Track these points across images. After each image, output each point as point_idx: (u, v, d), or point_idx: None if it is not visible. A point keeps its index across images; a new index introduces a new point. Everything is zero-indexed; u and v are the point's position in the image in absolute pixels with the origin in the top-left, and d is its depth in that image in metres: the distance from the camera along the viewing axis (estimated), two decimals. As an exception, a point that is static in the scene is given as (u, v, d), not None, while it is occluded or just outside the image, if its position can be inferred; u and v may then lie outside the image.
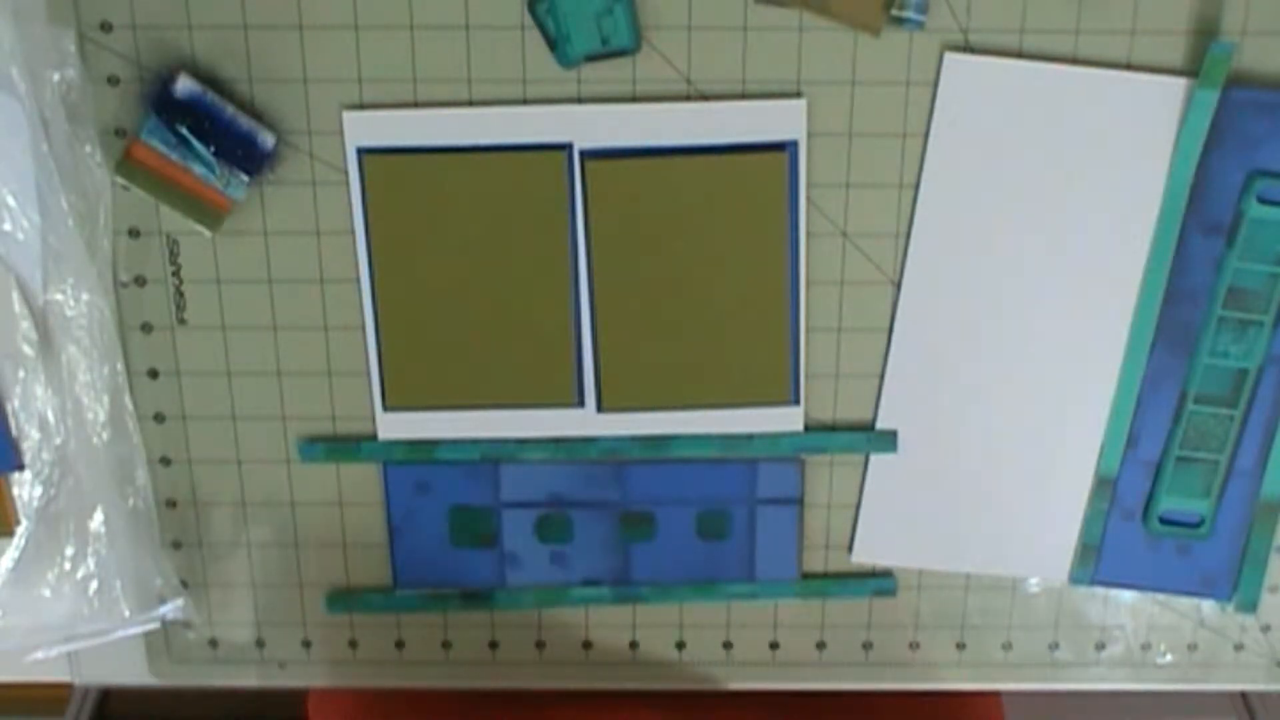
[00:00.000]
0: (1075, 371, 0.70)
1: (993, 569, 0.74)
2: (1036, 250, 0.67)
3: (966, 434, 0.71)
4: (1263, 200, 0.65)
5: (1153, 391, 0.69)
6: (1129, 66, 0.65)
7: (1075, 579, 0.73)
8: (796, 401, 0.71)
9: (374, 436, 0.71)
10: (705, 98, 0.65)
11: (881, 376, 0.70)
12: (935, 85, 0.65)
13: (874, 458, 0.72)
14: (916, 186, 0.67)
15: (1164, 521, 0.72)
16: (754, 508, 0.72)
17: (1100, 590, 0.74)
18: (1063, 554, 0.73)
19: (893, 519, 0.73)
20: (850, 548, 0.74)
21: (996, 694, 0.90)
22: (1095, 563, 0.73)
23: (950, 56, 0.64)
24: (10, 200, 0.66)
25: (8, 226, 0.66)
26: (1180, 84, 0.64)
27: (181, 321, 0.70)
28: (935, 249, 0.68)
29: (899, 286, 0.69)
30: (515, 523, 0.73)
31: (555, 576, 0.74)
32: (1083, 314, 0.69)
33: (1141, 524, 0.72)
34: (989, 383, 0.70)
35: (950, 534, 0.73)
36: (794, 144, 0.66)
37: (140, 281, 0.69)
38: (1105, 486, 0.71)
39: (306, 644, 0.76)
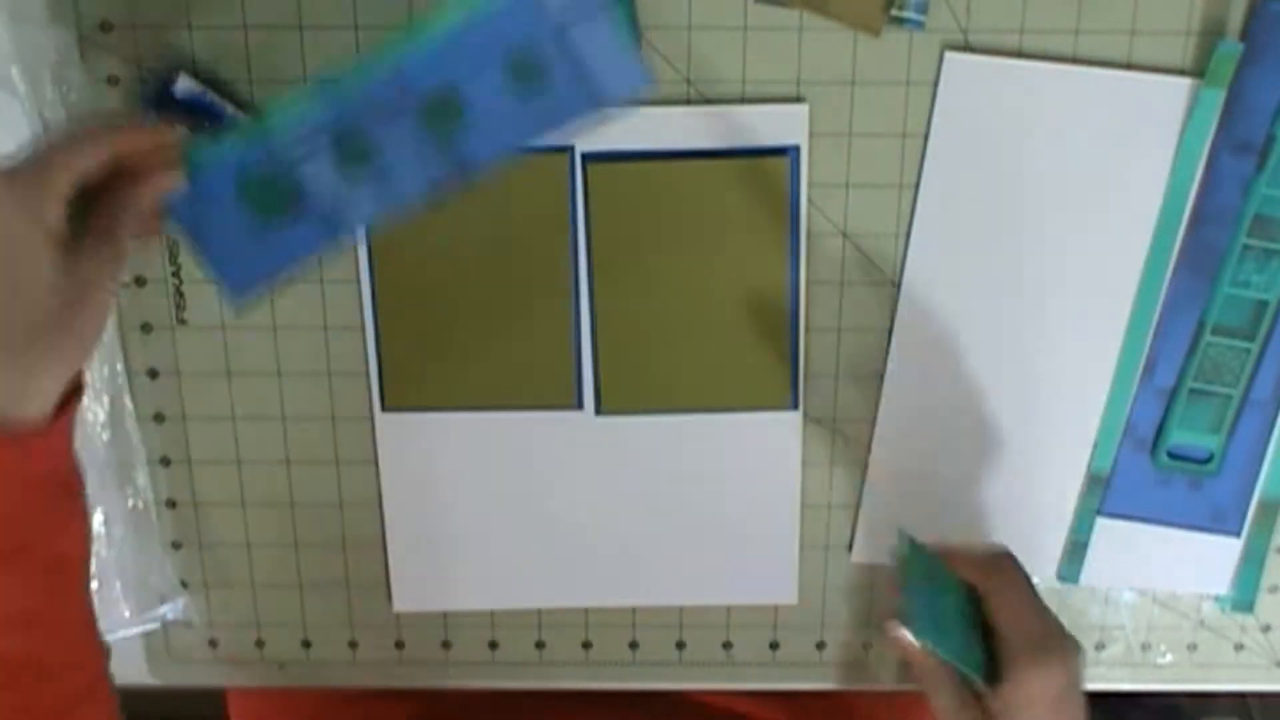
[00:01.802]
0: (1073, 373, 0.69)
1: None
2: (1036, 251, 0.67)
3: (966, 433, 0.71)
4: None
5: (1172, 317, 0.68)
6: (1129, 66, 0.65)
7: (1063, 576, 0.73)
8: (795, 406, 0.71)
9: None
10: (705, 98, 0.65)
11: (882, 376, 0.70)
12: (935, 85, 0.65)
13: (873, 458, 0.72)
14: (916, 186, 0.67)
15: (1173, 456, 0.71)
16: (562, 31, 0.55)
17: (1100, 590, 0.74)
18: (1060, 552, 0.73)
19: (893, 518, 0.72)
20: (850, 547, 0.74)
21: None
22: (1082, 560, 0.73)
23: (950, 56, 0.64)
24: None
25: (7, 226, 0.66)
26: (1183, 83, 0.64)
27: (181, 321, 0.70)
28: (935, 249, 0.68)
29: (899, 286, 0.69)
30: (312, 169, 0.57)
31: (385, 202, 0.58)
32: (1082, 315, 0.69)
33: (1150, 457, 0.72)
34: (988, 381, 0.70)
35: (950, 532, 0.73)
36: (795, 149, 0.66)
37: (140, 281, 0.69)
38: (1097, 484, 0.71)
39: (306, 644, 0.76)
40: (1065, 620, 0.75)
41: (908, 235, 0.68)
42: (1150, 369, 0.70)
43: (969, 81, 0.65)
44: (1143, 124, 0.65)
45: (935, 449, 0.71)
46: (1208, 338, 0.68)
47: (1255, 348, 0.68)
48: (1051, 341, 0.69)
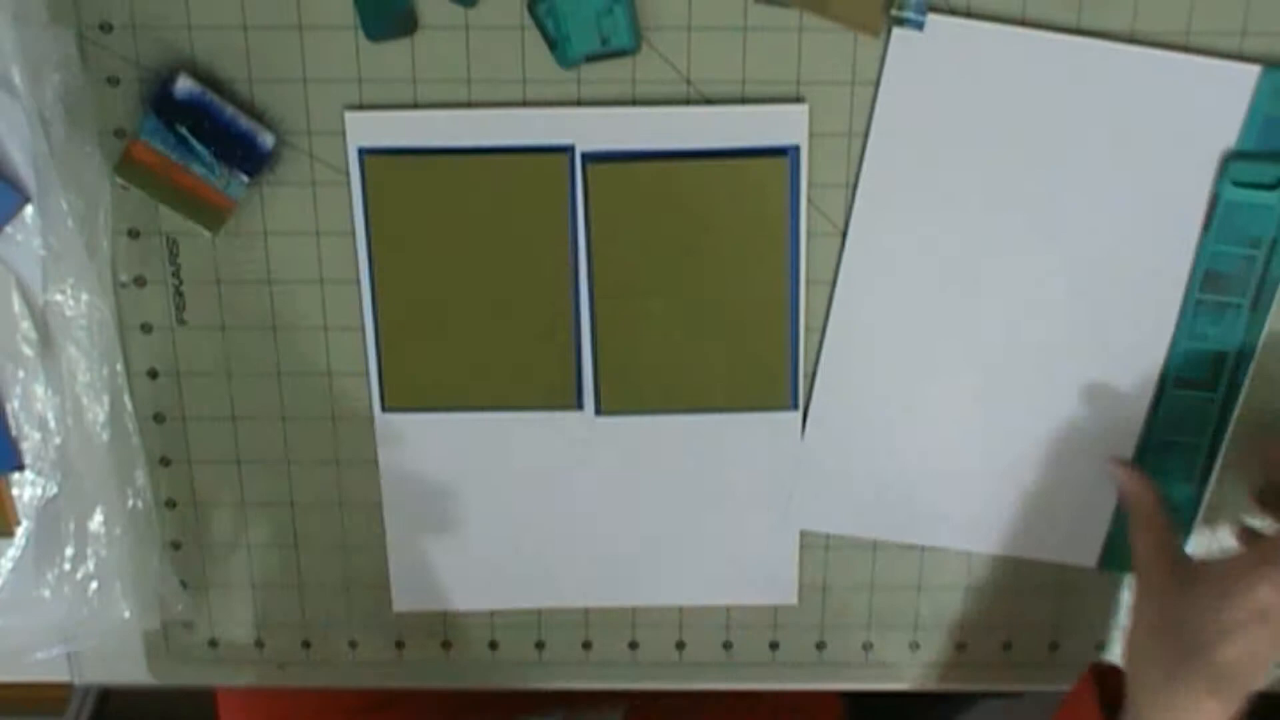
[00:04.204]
0: (1034, 359, 0.69)
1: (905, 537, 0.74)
2: (993, 232, 0.67)
3: (908, 418, 0.71)
4: (1237, 183, 0.65)
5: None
6: (1129, 67, 0.65)
7: None
8: (795, 406, 0.71)
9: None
10: (705, 98, 0.65)
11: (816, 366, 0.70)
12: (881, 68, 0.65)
13: (809, 432, 0.71)
14: (854, 185, 0.67)
15: None
16: None
17: (1100, 590, 0.74)
18: (981, 526, 0.73)
19: (826, 492, 0.73)
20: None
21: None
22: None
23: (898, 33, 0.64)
24: (8, 202, 0.66)
25: (8, 227, 0.66)
26: (1155, 55, 0.64)
27: (181, 321, 0.70)
28: (883, 208, 0.68)
29: (836, 282, 0.69)
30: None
31: None
32: (1066, 301, 0.68)
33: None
34: (925, 366, 0.70)
35: (879, 507, 0.73)
36: (795, 149, 0.66)
37: (140, 281, 0.69)
38: None
39: (306, 644, 0.76)
40: (1065, 620, 0.75)
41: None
42: None
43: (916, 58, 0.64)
44: (1143, 105, 0.65)
45: (874, 433, 0.71)
46: (1171, 390, 0.69)
47: (1218, 397, 0.69)
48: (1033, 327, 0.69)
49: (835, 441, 0.71)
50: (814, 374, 0.70)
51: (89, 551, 0.71)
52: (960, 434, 0.71)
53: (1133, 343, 0.69)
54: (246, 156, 0.65)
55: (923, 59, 0.64)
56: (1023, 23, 0.64)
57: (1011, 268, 0.68)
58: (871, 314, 0.69)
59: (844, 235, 0.68)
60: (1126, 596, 0.75)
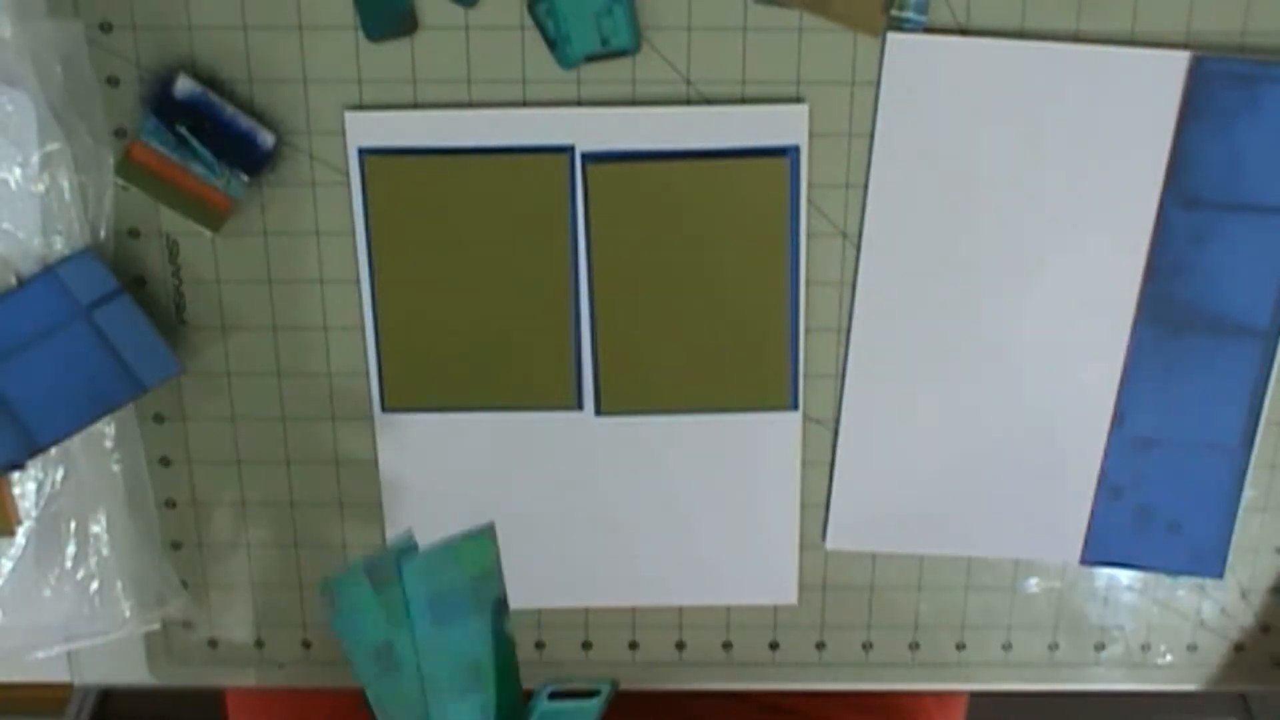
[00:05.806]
0: (1054, 358, 0.69)
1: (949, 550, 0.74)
2: (1005, 237, 0.67)
3: (940, 423, 0.71)
4: None
5: (1136, 368, 0.69)
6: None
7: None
8: (795, 406, 0.71)
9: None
10: (705, 98, 0.66)
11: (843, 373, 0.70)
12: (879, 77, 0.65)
13: (841, 453, 0.71)
14: (865, 186, 0.67)
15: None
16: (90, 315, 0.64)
17: (1100, 590, 0.75)
18: (1022, 534, 0.73)
19: (863, 507, 0.73)
20: (824, 534, 0.74)
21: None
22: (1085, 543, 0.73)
23: (894, 37, 0.64)
24: (11, 199, 0.66)
25: (8, 225, 0.66)
26: (1147, 54, 0.64)
27: (181, 321, 0.70)
28: (889, 249, 0.68)
29: (855, 285, 0.68)
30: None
31: None
32: (1066, 299, 0.68)
33: (1129, 501, 0.72)
34: (952, 371, 0.70)
35: (917, 518, 0.73)
36: (795, 149, 0.66)
37: (140, 281, 0.69)
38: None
39: (306, 644, 0.76)
40: (1065, 620, 0.75)
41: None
42: (1120, 419, 0.70)
43: (914, 66, 0.64)
44: (1110, 99, 0.65)
45: (903, 438, 0.71)
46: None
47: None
48: (1033, 328, 0.69)
49: (870, 458, 0.71)
50: (840, 394, 0.70)
51: (90, 551, 0.71)
52: (984, 435, 0.71)
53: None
54: (246, 156, 0.65)
55: (919, 65, 0.64)
56: (1022, 27, 0.64)
57: (1035, 267, 0.68)
58: (895, 324, 0.69)
59: (858, 249, 0.68)
60: (1126, 597, 0.75)
